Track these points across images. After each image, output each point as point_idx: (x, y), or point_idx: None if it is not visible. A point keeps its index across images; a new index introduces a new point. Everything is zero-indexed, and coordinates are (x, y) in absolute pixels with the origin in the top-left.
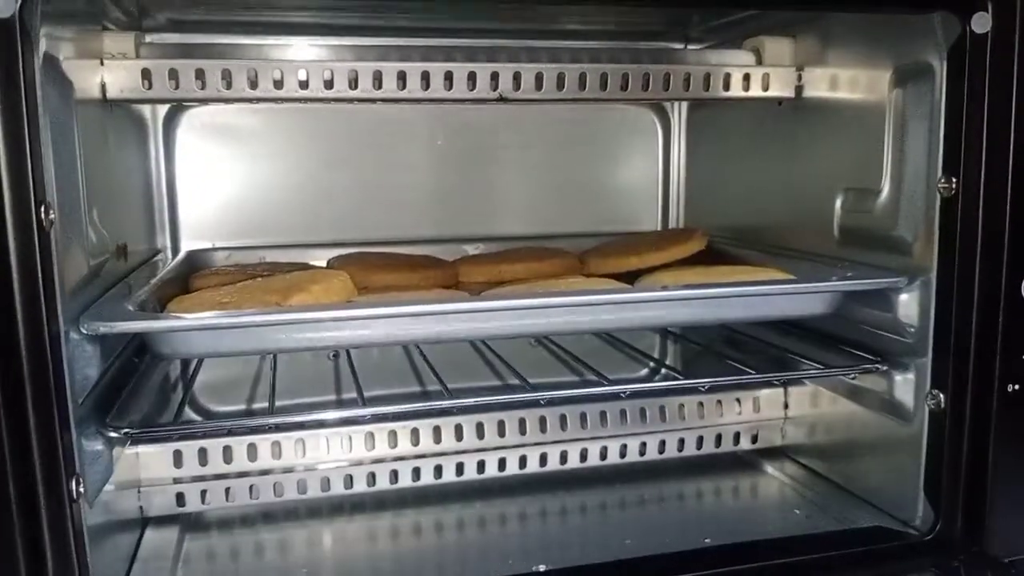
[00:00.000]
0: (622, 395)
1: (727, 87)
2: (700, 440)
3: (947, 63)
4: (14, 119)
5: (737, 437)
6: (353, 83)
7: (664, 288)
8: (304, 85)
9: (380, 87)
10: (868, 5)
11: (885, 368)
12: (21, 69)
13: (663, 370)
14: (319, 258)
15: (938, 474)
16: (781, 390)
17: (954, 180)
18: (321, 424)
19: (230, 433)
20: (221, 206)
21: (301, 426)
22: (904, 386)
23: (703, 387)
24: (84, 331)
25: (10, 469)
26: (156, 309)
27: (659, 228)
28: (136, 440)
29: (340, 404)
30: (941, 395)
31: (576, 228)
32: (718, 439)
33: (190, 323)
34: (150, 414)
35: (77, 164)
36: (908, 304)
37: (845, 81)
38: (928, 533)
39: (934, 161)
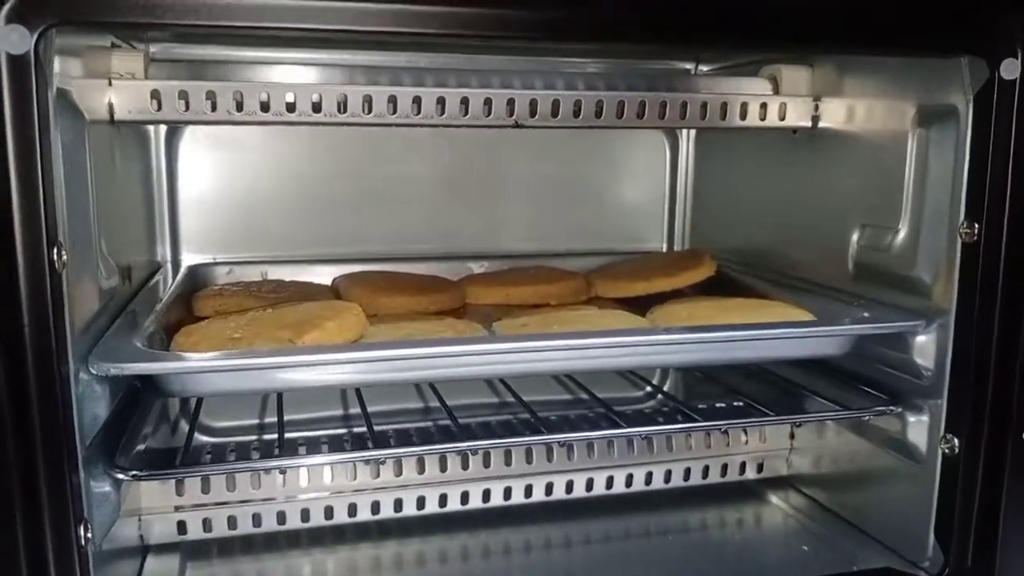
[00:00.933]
0: (642, 437)
1: (744, 116)
2: (706, 470)
3: (973, 107)
4: (27, 160)
5: (743, 467)
6: (367, 107)
7: (685, 330)
8: (317, 108)
9: (395, 112)
10: (893, 48)
11: (899, 411)
12: (35, 108)
13: (659, 396)
14: (322, 275)
15: (950, 517)
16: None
17: (976, 225)
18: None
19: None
20: (223, 219)
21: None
22: (917, 428)
23: (721, 428)
24: (94, 372)
25: (19, 516)
26: (163, 340)
27: (665, 247)
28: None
29: (346, 420)
30: (956, 440)
31: (581, 245)
32: (724, 469)
33: (203, 365)
34: (155, 452)
35: (89, 198)
36: (925, 346)
37: (864, 115)
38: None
39: (956, 205)
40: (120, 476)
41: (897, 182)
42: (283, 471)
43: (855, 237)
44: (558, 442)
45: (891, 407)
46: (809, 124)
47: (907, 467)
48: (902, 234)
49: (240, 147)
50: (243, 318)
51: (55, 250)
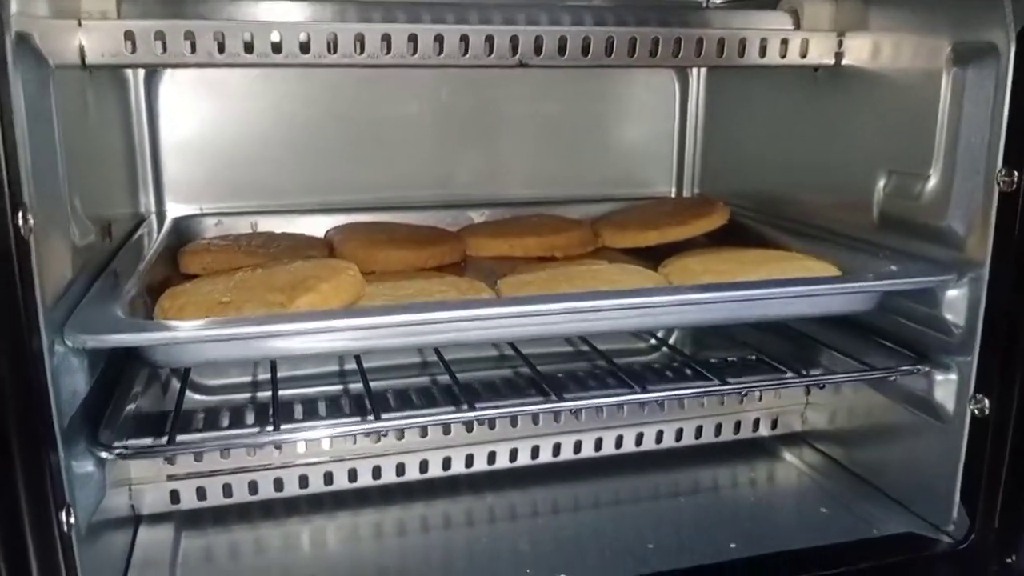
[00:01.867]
0: (657, 403)
1: (763, 53)
2: (718, 427)
3: (1016, 45)
4: None
5: (756, 423)
6: (359, 47)
7: (705, 289)
8: (305, 49)
9: (389, 51)
10: None
11: (927, 370)
12: None
13: (665, 348)
14: (314, 226)
15: (977, 480)
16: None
17: (1016, 173)
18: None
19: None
20: (208, 166)
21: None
22: (944, 387)
23: (741, 392)
24: (69, 344)
25: None
26: (147, 302)
27: (673, 192)
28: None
29: (342, 375)
30: (986, 400)
31: (586, 191)
32: (737, 426)
33: (189, 335)
34: (144, 417)
35: (57, 153)
36: (955, 301)
37: (891, 52)
38: (963, 541)
39: (994, 151)
40: (104, 454)
41: (928, 126)
42: (278, 446)
43: (881, 184)
44: (569, 409)
45: (919, 366)
46: (832, 61)
47: (931, 426)
48: (933, 181)
49: (226, 88)
50: (232, 278)
51: (19, 213)
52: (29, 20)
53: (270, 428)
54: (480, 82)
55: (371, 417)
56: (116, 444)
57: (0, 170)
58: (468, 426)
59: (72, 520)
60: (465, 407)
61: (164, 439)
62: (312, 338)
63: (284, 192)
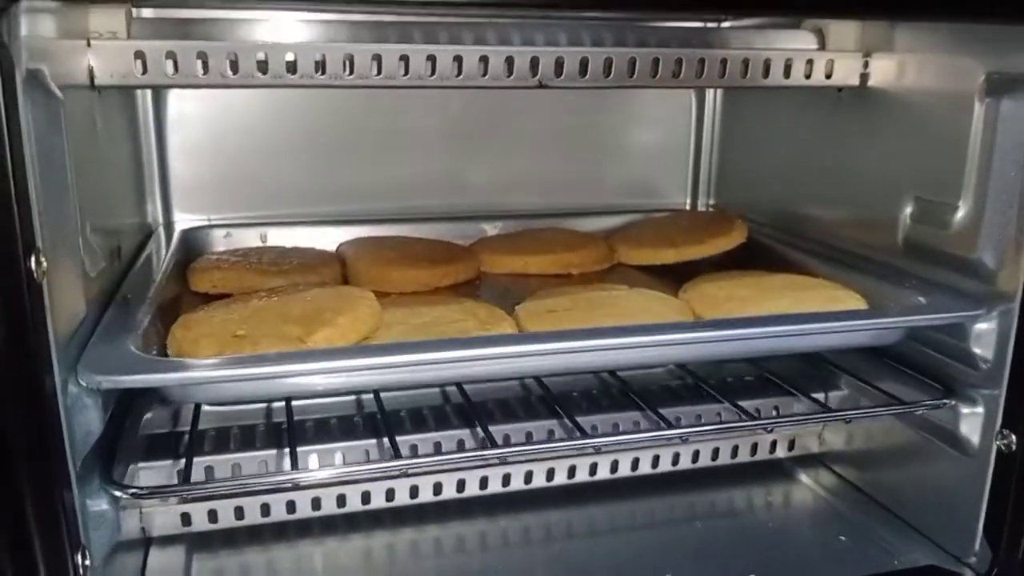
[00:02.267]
0: (682, 439)
1: (787, 74)
2: (735, 449)
3: None
4: None
5: (774, 445)
6: (377, 67)
7: (733, 324)
8: (321, 69)
9: (407, 72)
10: (965, 15)
11: (953, 403)
12: (1, 103)
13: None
14: (324, 239)
15: (1002, 515)
16: (822, 395)
17: None
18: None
19: (249, 493)
20: (216, 177)
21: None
22: (970, 420)
23: (768, 428)
24: (83, 384)
25: (7, 549)
26: (160, 331)
27: (688, 203)
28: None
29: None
30: (1013, 435)
31: (601, 201)
32: (754, 448)
33: (206, 376)
34: (157, 429)
35: (69, 188)
36: (983, 335)
37: (919, 76)
38: (985, 575)
39: None
40: (118, 493)
41: (958, 154)
42: (297, 485)
43: (907, 210)
44: (593, 447)
45: (945, 400)
46: (857, 82)
47: (954, 458)
48: (962, 211)
49: (234, 98)
50: (246, 308)
51: (32, 258)
52: (39, 51)
53: (286, 459)
54: (494, 92)
55: (391, 455)
56: (131, 485)
57: (12, 214)
58: (483, 447)
59: (87, 562)
60: (484, 437)
61: (180, 473)
62: (330, 377)
63: (293, 202)
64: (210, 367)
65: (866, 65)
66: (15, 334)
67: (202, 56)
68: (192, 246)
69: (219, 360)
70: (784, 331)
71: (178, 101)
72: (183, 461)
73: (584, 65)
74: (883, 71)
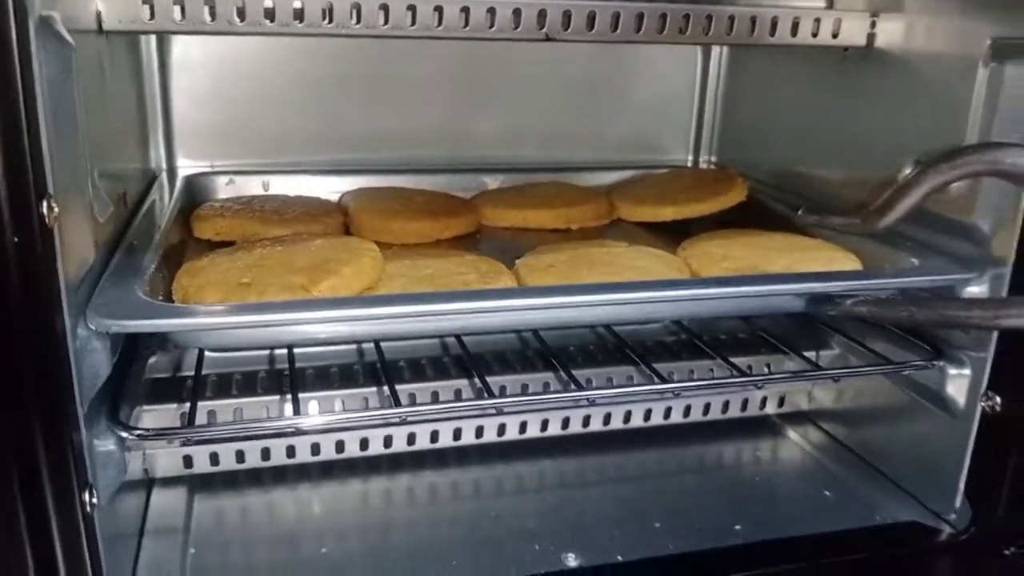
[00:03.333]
0: (675, 393)
1: (795, 32)
2: (726, 405)
3: None
4: (8, 109)
5: (764, 402)
6: (384, 16)
7: (730, 282)
8: (328, 17)
9: (414, 23)
10: None
11: (941, 365)
12: (15, 49)
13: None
14: (326, 187)
15: (983, 475)
16: (813, 354)
17: None
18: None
19: (251, 437)
20: (220, 122)
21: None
22: (956, 381)
23: (758, 384)
24: (92, 328)
25: (17, 486)
26: (165, 277)
27: (690, 159)
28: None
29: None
30: (997, 397)
31: (603, 155)
32: (744, 404)
33: (213, 321)
34: (161, 373)
35: (79, 135)
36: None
37: (925, 38)
38: (963, 532)
39: None
40: (124, 435)
41: (959, 118)
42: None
43: (906, 172)
44: (587, 399)
45: (934, 361)
46: (863, 43)
47: (939, 417)
48: None
49: (238, 43)
50: (250, 256)
51: (44, 203)
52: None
53: (287, 405)
54: (499, 43)
55: (390, 403)
56: (136, 426)
57: (25, 161)
58: (479, 397)
59: (95, 500)
60: (484, 392)
61: (184, 416)
62: (335, 325)
63: (296, 150)
64: (217, 313)
65: (873, 25)
66: (27, 279)
67: (209, 2)
68: (195, 192)
69: (226, 307)
70: (778, 290)
71: (182, 46)
72: (186, 405)
73: (591, 19)
74: (890, 32)
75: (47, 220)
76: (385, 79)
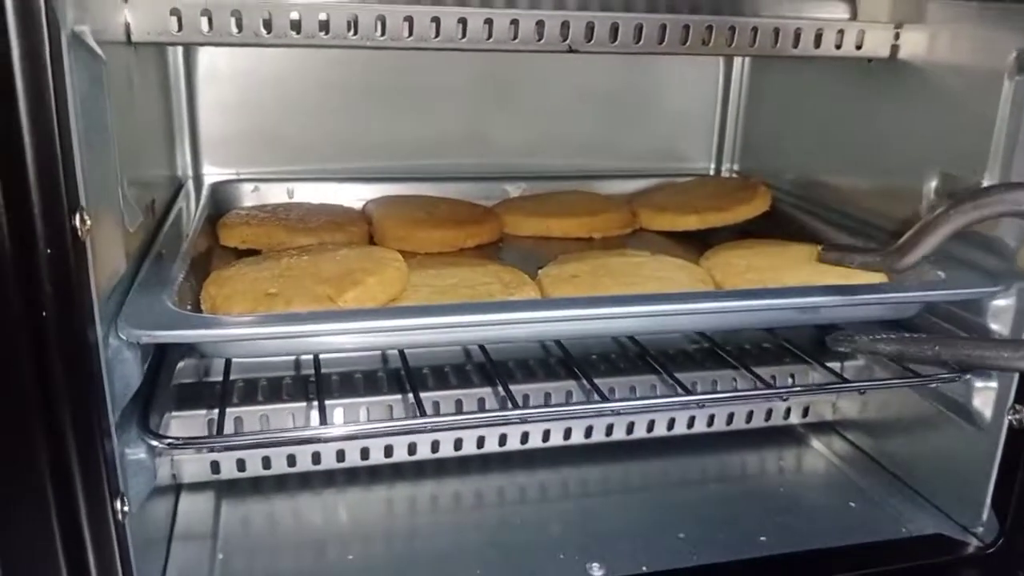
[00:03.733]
0: (700, 405)
1: (818, 44)
2: (750, 415)
3: None
4: (41, 123)
5: (788, 412)
6: (409, 29)
7: (755, 295)
8: (354, 28)
9: (438, 34)
10: None
11: (967, 378)
12: (48, 64)
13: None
14: (349, 195)
15: (1010, 488)
16: (837, 365)
17: None
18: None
19: (278, 444)
20: (245, 130)
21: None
22: (983, 395)
23: (783, 397)
24: (123, 338)
25: (51, 495)
26: (193, 288)
27: (712, 168)
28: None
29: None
30: None
31: (625, 163)
32: (768, 414)
33: (242, 333)
34: (187, 379)
35: (111, 146)
36: (1001, 311)
37: (950, 49)
38: (991, 546)
39: None
40: (155, 443)
41: (985, 130)
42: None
43: (932, 184)
44: (612, 410)
45: (960, 374)
46: (887, 54)
47: (966, 430)
48: None
49: (263, 52)
50: (277, 266)
51: (77, 216)
52: (80, 10)
53: (313, 412)
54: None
55: (415, 412)
56: (166, 435)
57: (58, 174)
58: (502, 406)
59: (126, 508)
60: (505, 396)
61: (212, 423)
62: (362, 336)
63: (319, 158)
64: (245, 324)
65: (897, 37)
66: (61, 291)
67: (236, 14)
68: (221, 199)
69: (254, 317)
70: (802, 303)
71: (209, 56)
72: (214, 411)
73: (615, 31)
74: (914, 43)
75: (80, 233)
76: (408, 87)
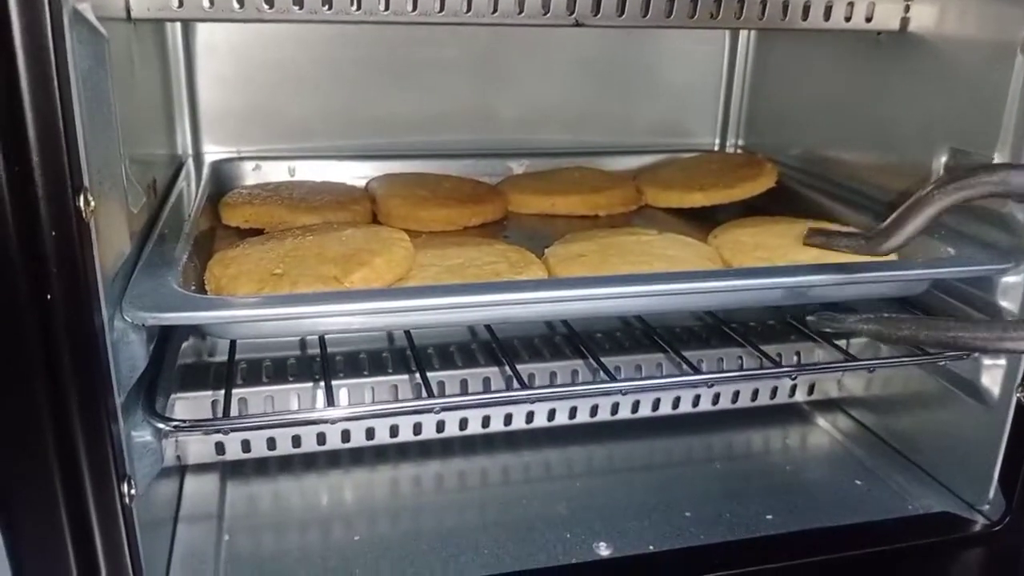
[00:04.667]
0: (707, 384)
1: (828, 16)
2: (755, 392)
3: None
4: (44, 102)
5: (793, 389)
6: (413, 3)
7: (765, 273)
8: (356, 4)
9: (442, 9)
10: None
11: (975, 355)
12: (50, 43)
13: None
14: (351, 172)
15: (1017, 466)
16: (844, 342)
17: None
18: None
19: (282, 425)
20: (245, 108)
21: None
22: (991, 372)
23: (792, 376)
24: (129, 320)
25: (58, 478)
26: (197, 267)
27: (716, 143)
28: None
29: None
30: None
31: (629, 138)
32: (774, 391)
33: (249, 314)
34: (190, 360)
35: (114, 126)
36: (1010, 288)
37: (961, 23)
38: (997, 523)
39: None
40: (161, 425)
41: (996, 106)
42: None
43: (941, 159)
44: (619, 390)
45: (968, 351)
46: (897, 27)
47: (973, 407)
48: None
49: (263, 28)
50: (282, 246)
51: (81, 197)
52: None
53: (319, 392)
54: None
55: (420, 392)
56: (173, 417)
57: (62, 155)
58: (508, 386)
59: (133, 491)
60: (512, 376)
61: (217, 404)
62: (369, 317)
63: (321, 134)
64: (252, 305)
65: (907, 10)
66: (66, 274)
67: None
68: (222, 178)
69: (261, 299)
70: (811, 281)
71: (207, 31)
72: (219, 392)
73: (622, 3)
74: (924, 17)
75: (84, 214)
76: (409, 63)
